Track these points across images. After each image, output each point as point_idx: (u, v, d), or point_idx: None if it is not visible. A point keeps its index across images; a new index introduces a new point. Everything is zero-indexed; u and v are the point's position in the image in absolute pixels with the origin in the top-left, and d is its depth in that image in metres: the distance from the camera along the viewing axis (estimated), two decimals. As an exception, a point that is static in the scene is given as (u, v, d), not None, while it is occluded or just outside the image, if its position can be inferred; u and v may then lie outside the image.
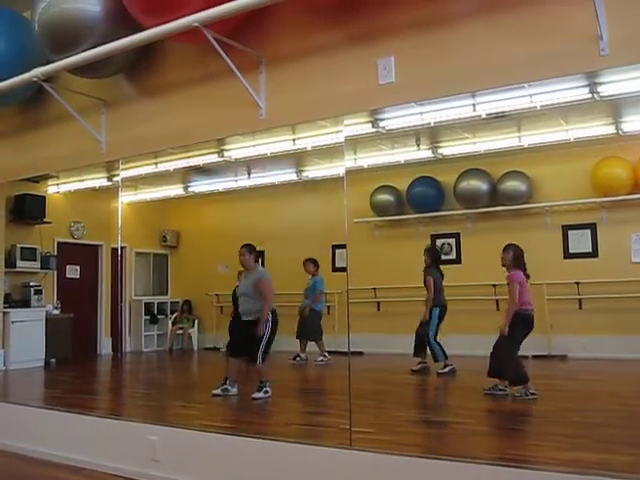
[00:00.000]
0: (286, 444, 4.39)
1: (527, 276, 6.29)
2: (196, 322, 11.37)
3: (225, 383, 6.60)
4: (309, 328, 8.78)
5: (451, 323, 7.74)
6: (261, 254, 10.48)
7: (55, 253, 10.20)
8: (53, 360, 9.44)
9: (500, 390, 6.16)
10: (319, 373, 8.71)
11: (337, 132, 5.00)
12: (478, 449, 4.37)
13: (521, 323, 6.15)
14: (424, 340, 7.62)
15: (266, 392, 6.40)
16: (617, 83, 5.07)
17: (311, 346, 8.76)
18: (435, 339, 7.57)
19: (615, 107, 7.03)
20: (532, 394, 5.93)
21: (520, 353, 6.36)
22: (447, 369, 7.53)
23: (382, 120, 6.10)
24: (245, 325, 6.63)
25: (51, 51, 5.31)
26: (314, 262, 8.86)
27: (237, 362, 6.70)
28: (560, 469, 3.43)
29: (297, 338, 8.79)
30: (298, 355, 8.78)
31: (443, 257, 9.16)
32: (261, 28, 4.81)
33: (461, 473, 3.66)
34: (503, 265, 6.38)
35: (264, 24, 4.80)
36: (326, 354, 8.64)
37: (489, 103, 5.89)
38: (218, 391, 6.57)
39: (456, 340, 7.61)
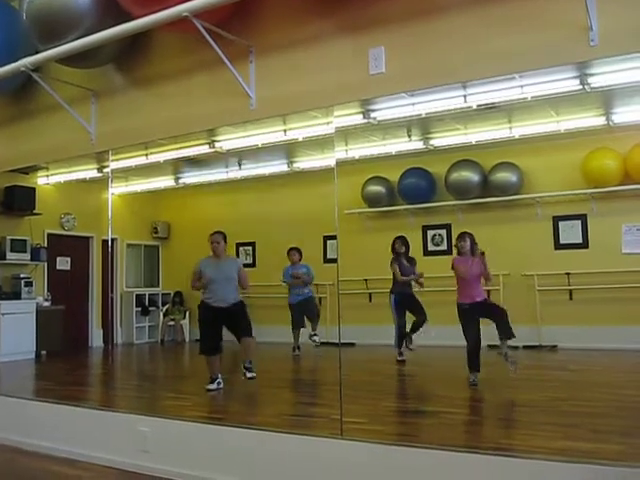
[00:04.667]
0: (277, 434, 4.41)
1: None
2: (187, 314, 11.34)
3: (216, 379, 6.53)
4: (314, 311, 8.77)
5: (441, 314, 7.75)
6: (252, 245, 10.52)
7: (45, 245, 10.15)
8: (44, 352, 9.41)
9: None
10: (310, 364, 8.71)
11: (328, 123, 4.98)
12: (470, 438, 4.40)
13: None
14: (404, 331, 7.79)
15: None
16: (608, 74, 5.07)
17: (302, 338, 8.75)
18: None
19: (606, 98, 7.04)
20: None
21: (511, 343, 6.45)
22: (399, 358, 7.73)
23: (373, 111, 6.08)
24: (226, 312, 6.55)
25: (40, 41, 5.28)
26: (299, 251, 8.84)
27: (216, 359, 6.63)
28: (551, 458, 3.45)
29: (298, 327, 8.73)
30: (298, 346, 8.75)
31: (434, 248, 9.21)
32: (251, 18, 4.80)
33: (453, 462, 3.67)
34: (459, 253, 6.66)
35: (254, 13, 4.78)
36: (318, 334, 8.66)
37: (480, 94, 5.88)
38: (214, 386, 6.49)
39: (445, 331, 7.61)
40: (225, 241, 6.81)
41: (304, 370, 8.65)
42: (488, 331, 6.39)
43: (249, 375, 6.37)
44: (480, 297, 6.50)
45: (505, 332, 6.33)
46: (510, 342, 6.47)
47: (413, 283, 7.94)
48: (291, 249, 8.78)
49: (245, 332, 6.62)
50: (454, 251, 9.10)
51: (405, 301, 7.84)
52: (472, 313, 6.36)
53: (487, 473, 3.57)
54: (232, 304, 6.58)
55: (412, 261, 7.98)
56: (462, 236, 6.64)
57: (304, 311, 8.71)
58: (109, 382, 7.60)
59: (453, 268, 6.64)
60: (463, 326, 6.37)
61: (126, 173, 9.26)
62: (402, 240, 8.02)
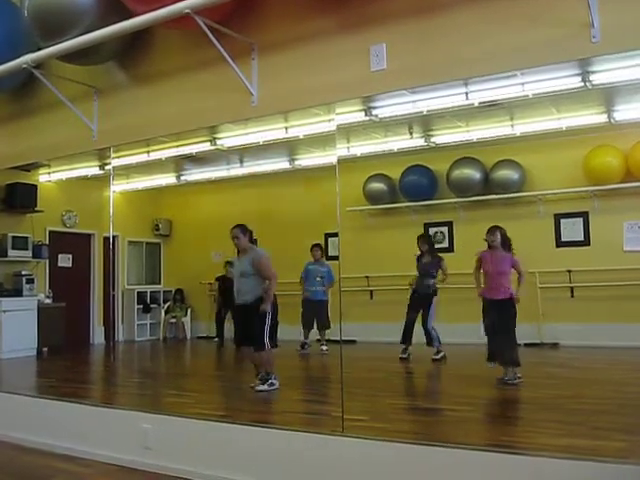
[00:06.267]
0: (279, 431, 4.42)
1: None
2: (189, 311, 11.37)
3: (269, 377, 6.25)
4: (325, 317, 8.71)
5: (444, 311, 7.76)
6: (254, 242, 10.51)
7: (47, 242, 10.17)
8: (45, 349, 9.42)
9: (518, 378, 6.09)
10: (313, 362, 8.71)
11: (329, 120, 4.99)
12: (472, 436, 4.38)
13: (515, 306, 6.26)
14: (413, 327, 7.69)
15: (271, 384, 6.17)
16: (609, 72, 5.07)
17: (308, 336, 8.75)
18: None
19: (607, 96, 7.04)
20: (519, 378, 6.02)
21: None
22: (439, 355, 7.61)
23: (375, 108, 6.09)
24: (242, 310, 6.37)
25: (41, 38, 5.28)
26: (321, 247, 8.81)
27: (249, 351, 6.39)
28: (554, 455, 3.45)
29: (309, 327, 8.74)
30: (306, 343, 8.75)
31: (436, 245, 9.20)
32: (253, 15, 4.79)
33: (454, 459, 3.67)
34: (489, 246, 6.44)
35: (256, 10, 4.78)
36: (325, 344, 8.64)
37: (482, 91, 5.88)
38: (265, 387, 6.20)
39: (448, 328, 7.63)
40: (245, 234, 6.41)
41: (305, 367, 8.64)
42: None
43: (256, 388, 6.17)
44: (498, 296, 6.26)
45: (508, 358, 6.11)
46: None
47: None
48: (314, 245, 8.77)
49: (255, 344, 6.27)
50: (455, 247, 9.20)
51: (417, 299, 7.84)
52: (488, 308, 6.30)
53: (489, 470, 3.56)
54: (248, 302, 6.27)
55: (435, 259, 7.94)
56: (492, 230, 6.42)
57: (314, 313, 8.70)
58: (111, 379, 7.60)
59: (478, 261, 6.56)
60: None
61: (127, 170, 9.28)
62: (422, 239, 8.11)
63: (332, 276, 8.59)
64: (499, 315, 6.25)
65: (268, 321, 6.25)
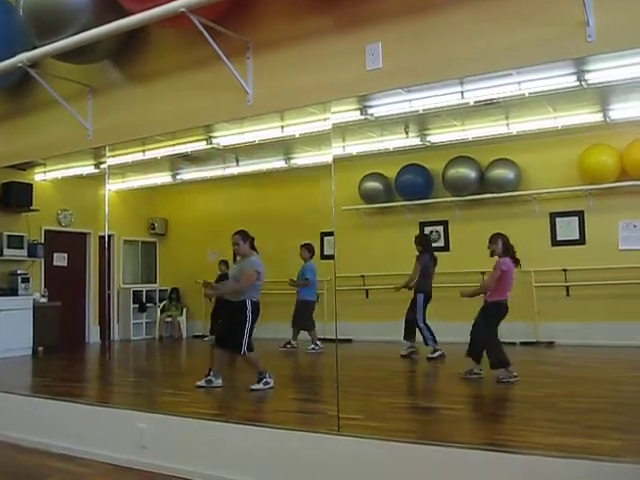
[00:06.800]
0: (274, 430, 4.42)
1: (517, 261, 6.42)
2: (184, 310, 11.36)
3: (209, 374, 6.40)
4: (299, 318, 8.75)
5: (440, 310, 7.77)
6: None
7: (42, 241, 10.15)
8: (41, 348, 9.41)
9: (475, 374, 6.30)
10: (308, 361, 8.71)
11: (325, 119, 4.98)
12: (466, 434, 4.39)
13: (496, 311, 6.33)
14: (414, 324, 7.70)
15: (266, 383, 6.17)
16: (605, 71, 5.08)
17: (303, 334, 8.74)
18: (425, 323, 7.65)
19: (603, 95, 7.03)
20: (515, 377, 6.02)
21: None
22: (436, 354, 7.61)
23: (370, 107, 6.09)
24: (227, 308, 6.55)
25: (36, 36, 5.27)
26: (308, 248, 8.78)
27: (221, 353, 6.46)
28: (548, 454, 3.45)
29: (292, 326, 8.81)
30: (289, 342, 8.76)
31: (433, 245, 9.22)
32: (248, 13, 4.79)
33: (449, 458, 3.67)
34: (492, 255, 6.44)
35: (251, 9, 4.77)
36: (318, 343, 8.57)
37: (477, 90, 5.89)
38: (202, 382, 6.37)
39: (444, 327, 7.63)
40: (245, 241, 6.44)
41: (300, 366, 8.65)
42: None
43: (252, 387, 6.16)
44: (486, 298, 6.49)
45: (493, 360, 6.21)
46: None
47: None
48: (301, 246, 8.79)
49: (230, 346, 6.35)
50: (451, 246, 9.21)
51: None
52: None
53: (484, 469, 3.57)
54: (232, 301, 6.41)
55: (417, 257, 7.99)
56: (492, 238, 6.44)
57: (296, 313, 8.77)
58: (107, 378, 7.60)
59: None
60: None
61: (123, 169, 9.27)
62: (415, 240, 8.16)
63: (304, 274, 8.74)
64: (479, 314, 6.38)
65: (248, 325, 6.26)
